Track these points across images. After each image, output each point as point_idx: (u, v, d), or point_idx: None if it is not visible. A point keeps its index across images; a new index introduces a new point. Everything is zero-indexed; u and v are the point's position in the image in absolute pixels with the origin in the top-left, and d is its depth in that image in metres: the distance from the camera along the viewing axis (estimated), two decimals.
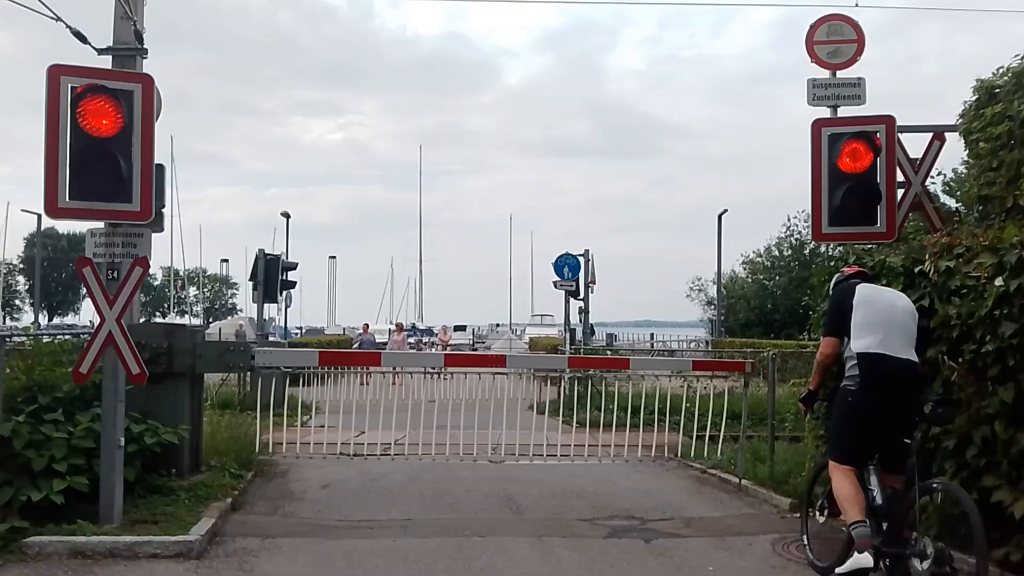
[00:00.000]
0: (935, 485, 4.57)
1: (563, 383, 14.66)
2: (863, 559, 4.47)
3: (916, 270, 5.76)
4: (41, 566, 5.12)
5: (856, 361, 4.77)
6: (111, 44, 6.01)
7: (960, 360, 5.25)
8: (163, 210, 6.06)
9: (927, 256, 5.72)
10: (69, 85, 5.63)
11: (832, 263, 7.78)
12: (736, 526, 6.38)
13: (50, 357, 6.44)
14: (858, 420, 4.78)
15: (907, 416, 4.66)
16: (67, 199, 5.64)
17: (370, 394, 11.52)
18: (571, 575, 5.20)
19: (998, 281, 4.94)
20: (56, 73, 5.62)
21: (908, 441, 4.65)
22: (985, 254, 5.21)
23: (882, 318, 4.83)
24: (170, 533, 5.56)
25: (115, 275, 5.87)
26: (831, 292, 5.42)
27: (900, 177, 7.10)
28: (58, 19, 5.90)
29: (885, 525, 4.63)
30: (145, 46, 6.12)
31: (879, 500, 4.71)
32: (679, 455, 9.10)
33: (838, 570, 4.72)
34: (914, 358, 4.83)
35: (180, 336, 7.17)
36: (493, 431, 8.92)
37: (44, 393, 6.12)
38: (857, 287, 4.99)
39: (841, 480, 4.75)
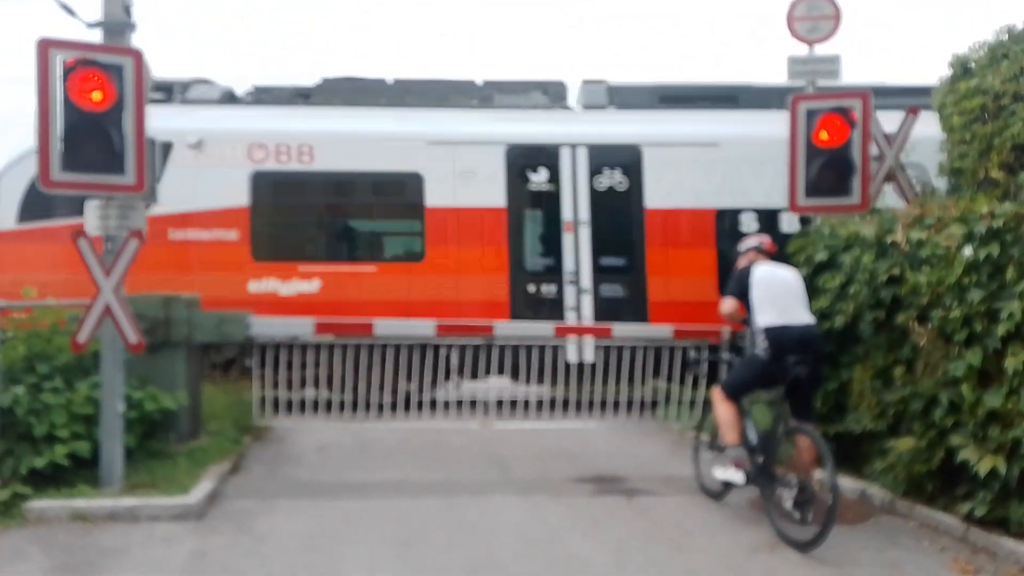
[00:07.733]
0: (797, 428, 5.44)
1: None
2: (737, 476, 5.64)
3: (889, 241, 5.98)
4: (42, 530, 5.26)
5: (764, 335, 5.52)
6: (101, 19, 6.02)
7: (929, 326, 5.51)
8: (157, 184, 6.13)
9: (899, 227, 5.95)
10: (59, 58, 5.61)
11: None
12: None
13: (48, 328, 6.53)
14: (762, 380, 5.65)
15: (810, 373, 5.43)
16: (60, 171, 5.65)
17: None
18: (557, 530, 5.45)
19: (967, 251, 5.16)
20: (46, 46, 5.60)
21: (771, 396, 5.61)
22: (955, 225, 5.43)
23: (779, 293, 5.61)
24: (170, 495, 5.72)
25: (110, 247, 5.97)
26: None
27: (875, 151, 7.30)
28: None
29: (760, 460, 5.54)
30: (133, 21, 6.14)
31: (754, 441, 5.66)
32: (662, 418, 9.34)
33: (715, 473, 5.89)
34: (812, 320, 5.65)
35: (177, 307, 7.29)
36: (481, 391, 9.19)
37: (43, 362, 6.23)
38: (754, 268, 5.76)
39: (726, 409, 5.76)
